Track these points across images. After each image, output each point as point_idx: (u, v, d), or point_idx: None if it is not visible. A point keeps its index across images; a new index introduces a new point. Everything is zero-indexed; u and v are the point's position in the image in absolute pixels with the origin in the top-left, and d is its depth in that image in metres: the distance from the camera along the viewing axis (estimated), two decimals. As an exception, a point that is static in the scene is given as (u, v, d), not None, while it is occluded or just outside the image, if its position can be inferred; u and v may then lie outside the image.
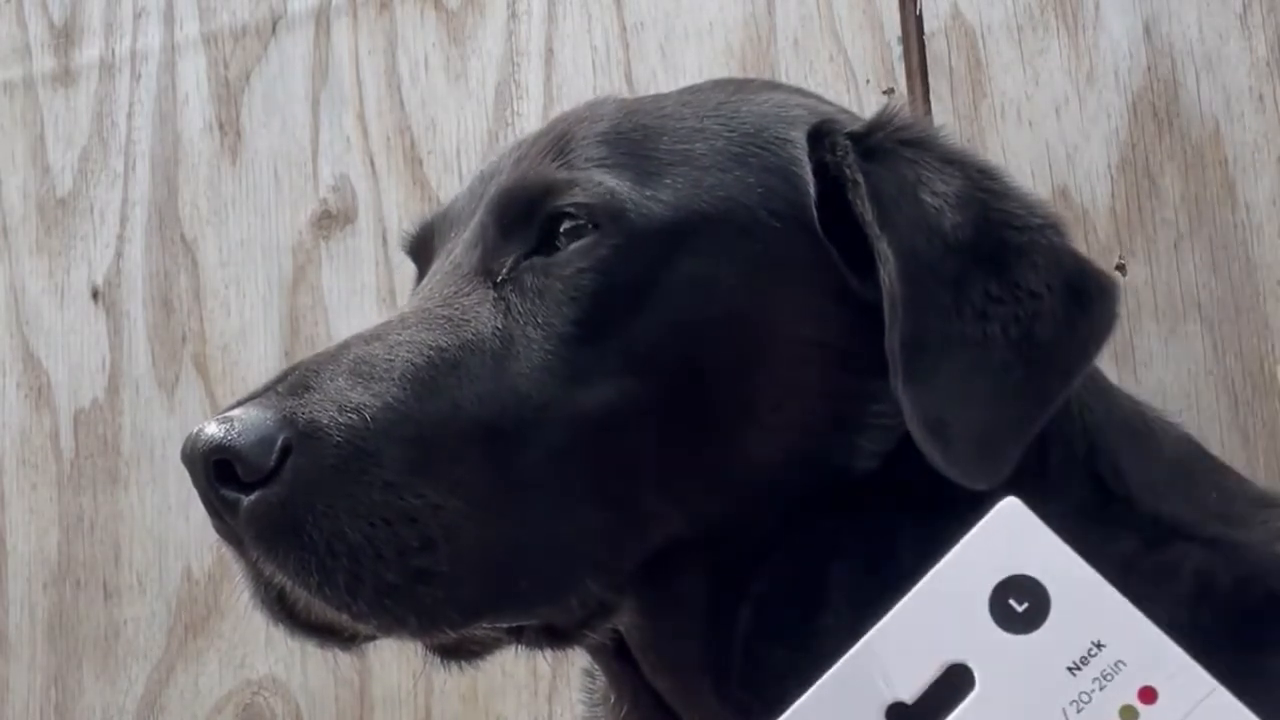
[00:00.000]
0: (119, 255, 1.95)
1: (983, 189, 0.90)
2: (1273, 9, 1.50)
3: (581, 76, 1.76)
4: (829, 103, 1.04)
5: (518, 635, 0.91)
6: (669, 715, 0.94)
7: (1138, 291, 1.51)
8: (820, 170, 0.90)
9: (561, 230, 0.88)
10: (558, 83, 1.77)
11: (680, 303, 0.87)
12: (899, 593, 0.84)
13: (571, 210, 0.88)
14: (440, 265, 0.96)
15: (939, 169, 0.90)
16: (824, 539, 0.87)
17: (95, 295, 1.95)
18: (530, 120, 1.76)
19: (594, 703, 1.02)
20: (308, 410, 0.81)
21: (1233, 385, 1.48)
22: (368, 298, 1.82)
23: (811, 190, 0.89)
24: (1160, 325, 1.51)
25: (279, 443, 0.80)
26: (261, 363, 1.85)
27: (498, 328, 0.87)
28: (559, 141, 0.93)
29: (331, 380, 0.84)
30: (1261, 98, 1.50)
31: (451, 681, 1.67)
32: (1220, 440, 1.38)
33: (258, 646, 1.80)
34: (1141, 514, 0.88)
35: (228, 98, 1.93)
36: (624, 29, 1.74)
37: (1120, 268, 1.52)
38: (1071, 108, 1.55)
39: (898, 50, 1.63)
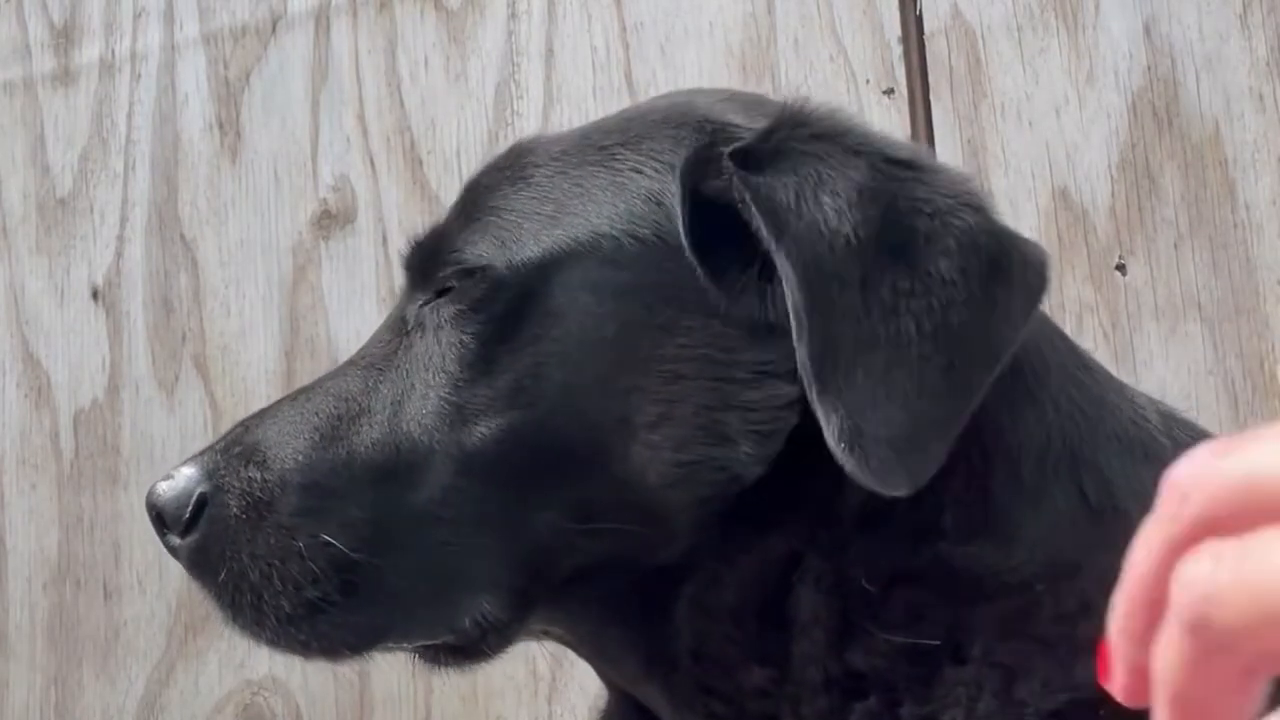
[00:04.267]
0: (119, 255, 1.95)
1: (894, 178, 0.89)
2: (1273, 9, 1.50)
3: (581, 76, 1.76)
4: (765, 102, 1.02)
5: (426, 651, 0.95)
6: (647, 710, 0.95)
7: (1138, 291, 1.51)
8: (709, 192, 0.90)
9: (452, 277, 0.94)
10: (558, 83, 1.77)
11: (551, 335, 0.91)
12: (864, 611, 0.85)
13: (452, 261, 0.95)
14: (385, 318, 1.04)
15: (843, 164, 0.89)
16: (768, 552, 0.88)
17: (95, 295, 1.95)
18: (530, 120, 1.76)
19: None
20: (224, 467, 0.93)
21: (1233, 385, 1.48)
22: (368, 298, 1.82)
23: (680, 211, 0.91)
24: (1160, 325, 1.51)
25: (194, 497, 0.92)
26: (261, 363, 1.85)
27: (402, 374, 0.95)
28: (469, 192, 1.00)
29: (253, 436, 0.95)
30: (1261, 98, 1.50)
31: (451, 682, 1.67)
32: (1220, 440, 1.38)
33: (258, 646, 1.80)
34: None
35: (228, 98, 1.93)
36: (624, 29, 1.74)
37: (1120, 268, 1.52)
38: (1071, 108, 1.55)
39: (898, 50, 1.63)
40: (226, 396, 1.86)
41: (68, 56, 2.01)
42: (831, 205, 0.87)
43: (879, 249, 0.86)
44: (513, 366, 0.91)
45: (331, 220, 1.86)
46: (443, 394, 0.92)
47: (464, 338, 0.92)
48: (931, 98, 1.61)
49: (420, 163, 1.82)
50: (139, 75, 1.97)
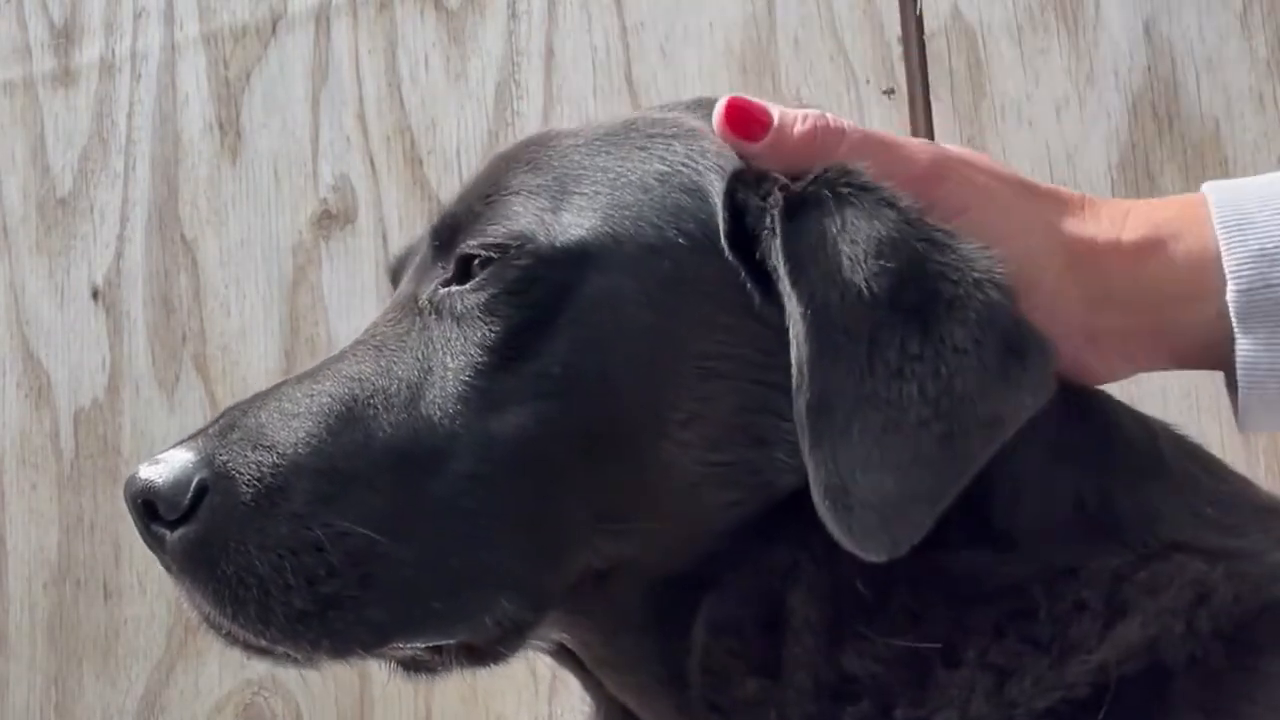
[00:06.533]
0: (119, 255, 1.95)
1: (923, 238, 0.87)
2: (1273, 9, 1.50)
3: (581, 76, 1.76)
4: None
5: (437, 654, 0.92)
6: None
7: (1138, 291, 1.51)
8: (742, 205, 0.89)
9: (479, 256, 0.90)
10: (558, 83, 1.77)
11: (589, 321, 0.88)
12: (858, 615, 0.84)
13: (481, 240, 0.91)
14: (392, 297, 1.00)
15: (871, 213, 0.87)
16: (772, 561, 0.87)
17: (95, 295, 1.95)
18: (530, 120, 1.76)
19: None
20: (225, 451, 0.86)
21: (1233, 385, 1.48)
22: (368, 298, 1.82)
23: (721, 214, 0.89)
24: (1160, 325, 1.50)
25: (194, 483, 0.85)
26: (261, 363, 1.85)
27: (418, 356, 0.90)
28: (489, 175, 0.96)
29: (254, 419, 0.88)
30: (1261, 98, 1.50)
31: (451, 682, 1.67)
32: (1220, 440, 1.37)
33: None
34: (1133, 531, 0.87)
35: (228, 98, 1.93)
36: (624, 29, 1.74)
37: (1120, 268, 1.52)
38: (1071, 108, 1.55)
39: (898, 50, 1.63)
40: (226, 396, 1.86)
41: (68, 56, 2.01)
42: (848, 254, 0.85)
43: (893, 306, 0.84)
44: (544, 352, 0.87)
45: (331, 220, 1.86)
46: (467, 378, 0.88)
47: (492, 321, 0.88)
48: (931, 98, 1.61)
49: (420, 163, 1.82)
50: (139, 75, 1.97)
